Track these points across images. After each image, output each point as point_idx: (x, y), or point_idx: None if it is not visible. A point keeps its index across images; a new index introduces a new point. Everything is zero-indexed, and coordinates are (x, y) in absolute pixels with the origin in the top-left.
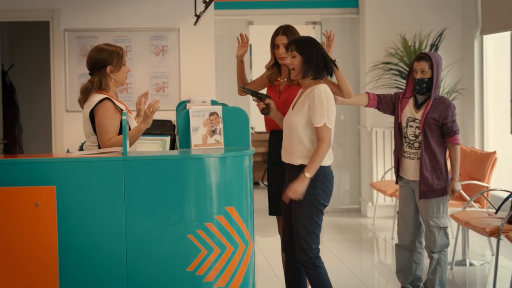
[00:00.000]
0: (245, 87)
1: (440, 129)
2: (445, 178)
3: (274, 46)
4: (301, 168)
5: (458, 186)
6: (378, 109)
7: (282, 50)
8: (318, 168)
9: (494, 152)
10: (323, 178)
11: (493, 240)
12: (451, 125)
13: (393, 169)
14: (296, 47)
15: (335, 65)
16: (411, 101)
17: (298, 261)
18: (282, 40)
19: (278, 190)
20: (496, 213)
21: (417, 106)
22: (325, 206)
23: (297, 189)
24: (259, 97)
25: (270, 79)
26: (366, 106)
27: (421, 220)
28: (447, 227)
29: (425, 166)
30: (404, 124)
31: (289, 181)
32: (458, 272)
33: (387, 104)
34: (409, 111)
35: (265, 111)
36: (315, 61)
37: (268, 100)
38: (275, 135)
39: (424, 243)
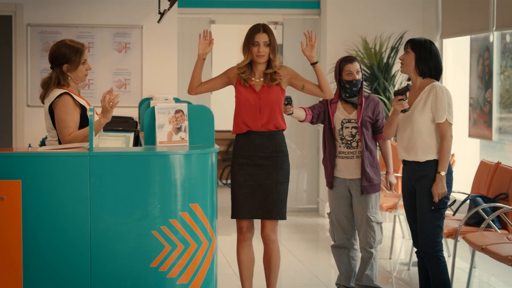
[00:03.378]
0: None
1: (372, 127)
2: (379, 173)
3: (252, 44)
4: (427, 164)
5: (393, 179)
6: (312, 123)
7: (262, 49)
8: None
9: (453, 155)
10: (447, 173)
11: (450, 241)
12: (381, 121)
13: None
14: (411, 44)
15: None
16: (339, 105)
17: (421, 254)
18: (263, 38)
19: (250, 192)
20: (453, 215)
21: (355, 107)
22: (449, 199)
23: (440, 191)
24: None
25: (244, 78)
26: (301, 122)
27: (355, 218)
28: (382, 222)
29: (366, 162)
30: (339, 127)
31: (410, 178)
32: (415, 272)
33: (319, 116)
34: (341, 113)
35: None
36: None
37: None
38: (251, 136)
39: (358, 240)
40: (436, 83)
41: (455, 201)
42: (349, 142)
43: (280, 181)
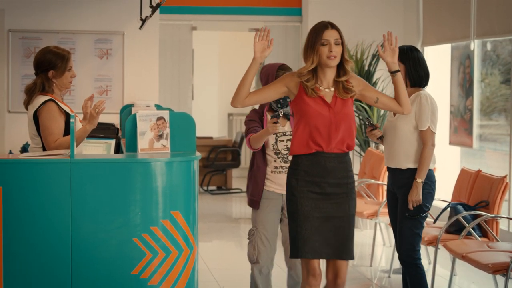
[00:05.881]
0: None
1: None
2: None
3: (320, 43)
4: (408, 171)
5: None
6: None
7: (335, 49)
8: None
9: None
10: (428, 181)
11: (431, 249)
12: None
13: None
14: (399, 57)
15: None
16: (269, 117)
17: (400, 261)
18: (334, 35)
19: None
20: (434, 222)
21: (286, 118)
22: (429, 208)
23: (414, 198)
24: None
25: (311, 87)
26: (255, 150)
27: (284, 236)
28: None
29: None
30: (273, 141)
31: (393, 185)
32: (395, 280)
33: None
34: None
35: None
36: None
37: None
38: (321, 158)
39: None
40: (422, 92)
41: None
42: (285, 157)
43: (351, 213)
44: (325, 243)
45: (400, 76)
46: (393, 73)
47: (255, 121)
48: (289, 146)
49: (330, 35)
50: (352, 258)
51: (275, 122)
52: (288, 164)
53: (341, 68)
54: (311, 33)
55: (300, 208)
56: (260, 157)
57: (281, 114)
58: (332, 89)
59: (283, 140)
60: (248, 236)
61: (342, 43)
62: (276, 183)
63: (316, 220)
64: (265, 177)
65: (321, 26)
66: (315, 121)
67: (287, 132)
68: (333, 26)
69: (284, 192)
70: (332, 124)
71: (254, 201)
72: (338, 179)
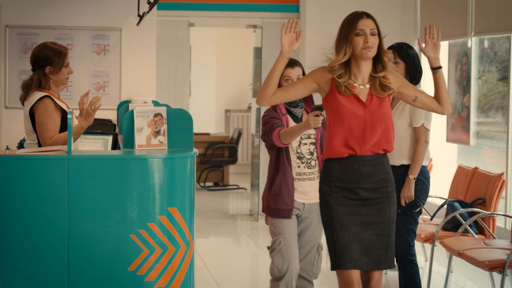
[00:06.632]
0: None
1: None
2: None
3: (355, 34)
4: (402, 168)
5: None
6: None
7: (371, 39)
8: None
9: (430, 160)
10: (422, 177)
11: (427, 246)
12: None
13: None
14: (398, 54)
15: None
16: (289, 117)
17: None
18: (369, 24)
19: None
20: (431, 219)
21: (298, 120)
22: (422, 204)
23: (406, 194)
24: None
25: (344, 84)
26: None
27: (304, 246)
28: None
29: None
30: (296, 144)
31: None
32: (392, 277)
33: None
34: None
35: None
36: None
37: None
38: (354, 162)
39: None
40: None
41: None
42: (309, 161)
43: (392, 219)
44: (365, 252)
45: (442, 73)
46: (435, 69)
47: (277, 118)
48: (312, 150)
49: (365, 25)
50: (393, 266)
51: (317, 115)
52: (312, 170)
53: (378, 62)
54: (344, 24)
55: (336, 216)
56: (284, 160)
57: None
58: (368, 85)
59: (306, 143)
60: (271, 246)
61: (379, 34)
62: (299, 191)
63: (354, 227)
64: (293, 182)
65: (355, 15)
66: (349, 122)
67: (312, 134)
68: (368, 15)
69: (306, 201)
70: (367, 125)
71: (285, 211)
72: (374, 183)
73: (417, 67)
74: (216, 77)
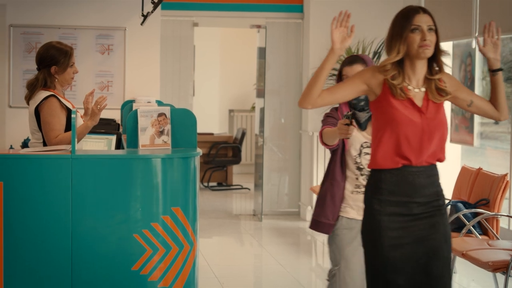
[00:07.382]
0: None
1: None
2: None
3: (410, 30)
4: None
5: None
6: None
7: (429, 36)
8: None
9: None
10: None
11: None
12: None
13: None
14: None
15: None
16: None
17: None
18: (426, 20)
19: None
20: None
21: (362, 126)
22: None
23: None
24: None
25: (399, 86)
26: (330, 147)
27: None
28: None
29: None
30: (355, 152)
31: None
32: None
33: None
34: (359, 134)
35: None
36: None
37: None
38: (408, 173)
39: None
40: None
41: None
42: (367, 173)
43: (449, 235)
44: (420, 271)
45: (501, 76)
46: (494, 71)
47: (333, 117)
48: (368, 159)
49: (422, 20)
50: (450, 286)
51: (347, 124)
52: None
53: (434, 63)
54: (398, 19)
55: (385, 235)
56: (338, 168)
57: (350, 114)
58: (423, 89)
59: (368, 153)
60: (327, 277)
61: (436, 31)
62: (357, 206)
63: (406, 246)
64: (343, 195)
65: (410, 10)
66: (405, 129)
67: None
68: (425, 10)
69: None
70: (424, 133)
71: (325, 224)
72: (427, 197)
73: None
74: (220, 77)
